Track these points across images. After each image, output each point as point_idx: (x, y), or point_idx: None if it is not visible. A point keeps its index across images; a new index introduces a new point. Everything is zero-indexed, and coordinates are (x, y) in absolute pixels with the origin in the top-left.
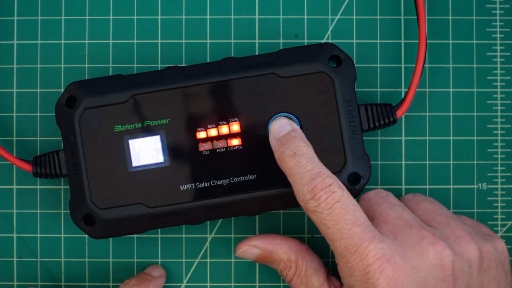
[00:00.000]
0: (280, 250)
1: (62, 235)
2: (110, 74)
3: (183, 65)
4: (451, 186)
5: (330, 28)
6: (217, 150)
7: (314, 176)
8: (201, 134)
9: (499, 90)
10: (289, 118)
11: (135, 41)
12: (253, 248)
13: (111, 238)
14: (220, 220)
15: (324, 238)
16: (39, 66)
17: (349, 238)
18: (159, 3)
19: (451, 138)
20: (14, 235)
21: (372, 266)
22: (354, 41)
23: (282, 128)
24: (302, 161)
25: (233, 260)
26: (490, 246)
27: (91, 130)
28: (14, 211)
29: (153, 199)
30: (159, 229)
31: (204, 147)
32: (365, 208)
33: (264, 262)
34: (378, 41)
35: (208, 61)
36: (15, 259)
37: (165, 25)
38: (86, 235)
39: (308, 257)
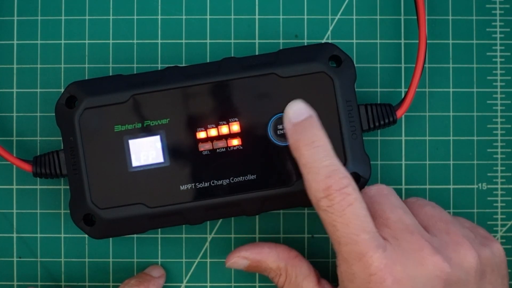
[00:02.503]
0: (269, 259)
1: (62, 235)
2: (110, 74)
3: (183, 65)
4: (451, 186)
5: (330, 28)
6: (217, 150)
7: (330, 173)
8: (201, 134)
9: (499, 90)
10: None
11: (135, 41)
12: (241, 259)
13: (111, 238)
14: (220, 220)
15: (323, 238)
16: (39, 66)
17: (356, 245)
18: (159, 3)
19: (451, 138)
20: (14, 235)
21: (374, 277)
22: (354, 41)
23: (299, 112)
24: (319, 154)
25: None
26: (488, 252)
27: (91, 130)
28: (14, 211)
29: (153, 199)
30: (159, 229)
31: (204, 147)
32: (366, 206)
33: (255, 271)
34: (378, 41)
35: (208, 61)
36: (15, 259)
37: (165, 25)
38: (86, 235)
39: (297, 263)
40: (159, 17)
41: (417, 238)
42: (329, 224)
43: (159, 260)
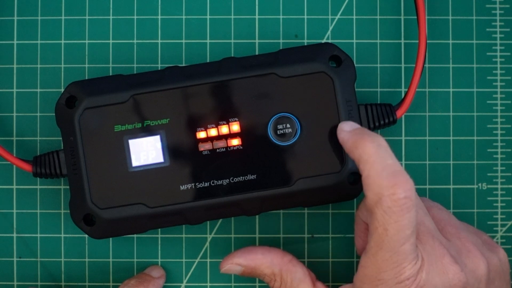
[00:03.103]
0: (263, 265)
1: (62, 235)
2: (110, 74)
3: (183, 65)
4: (451, 186)
5: (330, 28)
6: (217, 150)
7: (395, 173)
8: (201, 134)
9: (499, 90)
10: None
11: (135, 41)
12: (235, 266)
13: (111, 238)
14: (220, 220)
15: (323, 238)
16: (39, 66)
17: (397, 254)
18: (159, 3)
19: (451, 138)
20: (14, 235)
21: (400, 285)
22: (354, 41)
23: (352, 124)
24: (382, 152)
25: None
26: (496, 259)
27: (91, 130)
28: (14, 211)
29: (153, 199)
30: (159, 229)
31: (204, 147)
32: None
33: (250, 276)
34: (378, 41)
35: (208, 61)
36: (15, 259)
37: (165, 25)
38: (86, 235)
39: (291, 268)
40: (159, 17)
41: (438, 244)
42: (381, 226)
43: (159, 260)
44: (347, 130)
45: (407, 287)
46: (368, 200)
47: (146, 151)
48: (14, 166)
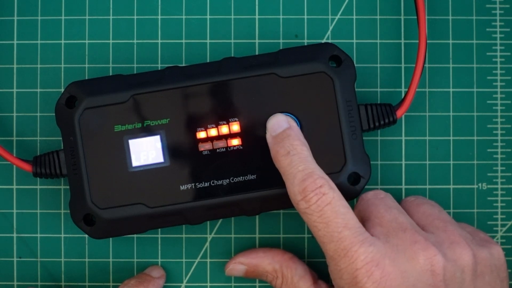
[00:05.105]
0: (264, 262)
1: (62, 235)
2: (110, 74)
3: (183, 65)
4: (451, 186)
5: (330, 28)
6: (217, 150)
7: (305, 176)
8: (201, 134)
9: (499, 90)
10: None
11: (135, 41)
12: (238, 265)
13: (111, 238)
14: (220, 220)
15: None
16: (39, 66)
17: (339, 241)
18: (159, 3)
19: (451, 138)
20: (14, 235)
21: (361, 270)
22: (354, 41)
23: (278, 125)
24: (294, 161)
25: None
26: (486, 252)
27: (91, 130)
28: (14, 211)
29: (153, 199)
30: (159, 229)
31: (204, 147)
32: (362, 209)
33: (253, 276)
34: (378, 41)
35: (208, 61)
36: (15, 259)
37: (165, 25)
38: (86, 235)
39: (292, 265)
40: (159, 17)
41: (411, 234)
42: (311, 226)
43: (159, 260)
44: (271, 135)
45: (369, 273)
46: (296, 209)
47: (146, 151)
48: (14, 166)
